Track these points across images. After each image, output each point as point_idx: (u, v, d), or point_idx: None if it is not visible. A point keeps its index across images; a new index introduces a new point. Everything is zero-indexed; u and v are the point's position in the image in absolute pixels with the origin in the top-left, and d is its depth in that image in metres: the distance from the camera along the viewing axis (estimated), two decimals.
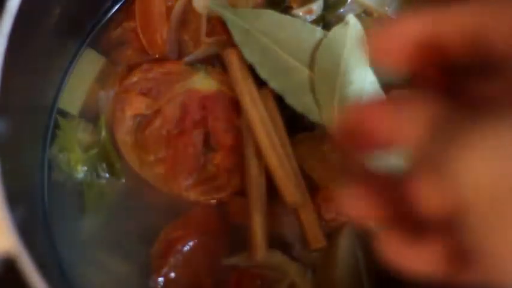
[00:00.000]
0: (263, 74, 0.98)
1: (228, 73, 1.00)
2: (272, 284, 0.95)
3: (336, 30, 0.99)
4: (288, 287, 0.93)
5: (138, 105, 1.01)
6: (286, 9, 1.05)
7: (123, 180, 1.02)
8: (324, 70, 0.97)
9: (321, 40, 0.99)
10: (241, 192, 0.98)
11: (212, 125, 1.00)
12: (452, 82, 0.52)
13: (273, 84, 0.97)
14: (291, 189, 0.93)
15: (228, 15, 0.99)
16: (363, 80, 0.97)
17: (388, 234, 0.51)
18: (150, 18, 1.05)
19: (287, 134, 0.99)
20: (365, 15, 1.02)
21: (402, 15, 0.54)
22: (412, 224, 0.49)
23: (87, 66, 1.08)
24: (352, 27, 0.99)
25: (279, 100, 1.00)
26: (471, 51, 0.49)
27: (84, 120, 1.05)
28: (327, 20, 1.04)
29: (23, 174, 0.98)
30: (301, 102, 0.97)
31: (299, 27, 1.00)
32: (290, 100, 0.97)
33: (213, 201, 1.00)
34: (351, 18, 1.00)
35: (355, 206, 0.53)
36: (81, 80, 1.07)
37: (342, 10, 1.04)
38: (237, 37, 0.98)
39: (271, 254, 0.93)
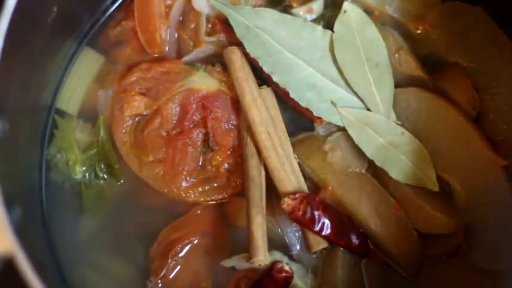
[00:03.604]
0: (266, 68, 0.97)
1: (228, 72, 1.00)
2: None
3: (339, 21, 1.00)
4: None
5: (137, 104, 1.01)
6: (286, 8, 1.05)
7: (122, 181, 1.02)
8: (348, 64, 0.98)
9: (328, 39, 0.99)
10: (241, 192, 0.97)
11: (212, 125, 0.99)
12: None
13: (276, 78, 0.97)
14: (290, 190, 0.93)
15: (230, 12, 0.99)
16: (385, 57, 0.99)
17: None
18: (149, 17, 1.04)
19: (287, 134, 0.99)
20: (366, 13, 1.02)
21: None
22: None
23: (86, 65, 1.07)
24: (351, 12, 1.00)
25: (280, 100, 1.00)
26: None
27: (83, 120, 1.04)
28: (327, 19, 1.05)
29: (21, 174, 0.98)
30: (305, 97, 0.97)
31: (299, 26, 1.00)
32: (293, 94, 0.97)
33: (213, 202, 1.00)
34: (347, 5, 1.01)
35: None
36: (80, 79, 1.06)
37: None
38: (239, 32, 0.98)
39: (271, 255, 0.92)
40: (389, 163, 0.95)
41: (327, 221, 0.91)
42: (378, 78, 0.98)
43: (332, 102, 0.98)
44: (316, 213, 0.91)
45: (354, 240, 0.93)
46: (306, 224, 0.92)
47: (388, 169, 0.95)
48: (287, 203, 0.90)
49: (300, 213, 0.90)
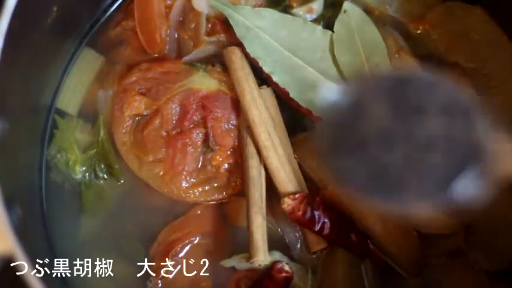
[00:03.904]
0: (266, 67, 0.97)
1: (229, 72, 1.00)
2: None
3: (339, 21, 1.00)
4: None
5: (137, 105, 1.00)
6: (286, 8, 1.05)
7: (122, 181, 1.02)
8: (348, 64, 0.98)
9: (328, 39, 0.99)
10: (241, 192, 0.97)
11: (212, 125, 0.99)
12: None
13: (276, 78, 0.97)
14: (290, 190, 0.93)
15: (230, 12, 0.99)
16: (385, 58, 0.99)
17: None
18: (149, 17, 1.04)
19: (287, 134, 0.99)
20: (366, 13, 1.02)
21: None
22: None
23: (86, 65, 1.07)
24: (351, 12, 1.00)
25: (280, 100, 1.00)
26: None
27: (83, 120, 1.04)
28: (327, 19, 1.05)
29: (21, 174, 0.98)
30: (305, 97, 0.97)
31: (299, 26, 1.00)
32: (293, 94, 0.97)
33: (213, 202, 1.00)
34: (347, 5, 1.01)
35: None
36: (80, 79, 1.06)
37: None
38: (239, 32, 0.98)
39: (271, 255, 0.92)
40: None
41: (327, 221, 0.91)
42: None
43: None
44: (316, 213, 0.91)
45: (354, 240, 0.93)
46: (306, 224, 0.91)
47: None
48: (287, 203, 0.90)
49: (300, 213, 0.90)
